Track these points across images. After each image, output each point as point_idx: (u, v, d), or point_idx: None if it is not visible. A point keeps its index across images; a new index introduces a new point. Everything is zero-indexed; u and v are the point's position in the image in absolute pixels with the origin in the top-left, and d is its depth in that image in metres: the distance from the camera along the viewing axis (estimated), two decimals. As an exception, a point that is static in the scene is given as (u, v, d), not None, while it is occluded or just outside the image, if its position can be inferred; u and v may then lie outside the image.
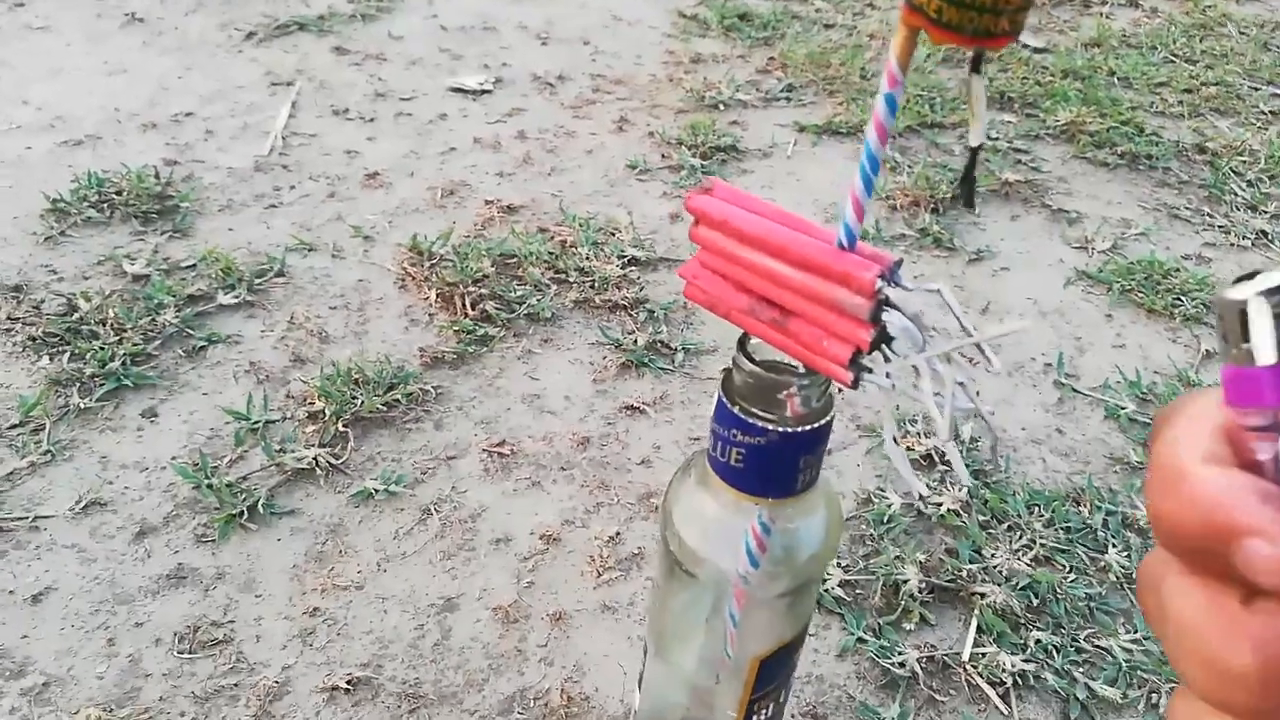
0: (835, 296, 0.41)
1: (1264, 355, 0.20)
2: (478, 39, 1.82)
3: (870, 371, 0.43)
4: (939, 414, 0.42)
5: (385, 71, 1.66)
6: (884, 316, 0.41)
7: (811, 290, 0.42)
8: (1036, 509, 0.90)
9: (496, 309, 1.08)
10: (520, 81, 1.68)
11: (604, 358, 1.04)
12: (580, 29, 1.92)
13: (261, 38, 1.72)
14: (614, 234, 1.25)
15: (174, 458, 0.87)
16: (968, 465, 0.94)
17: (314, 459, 0.87)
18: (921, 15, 0.33)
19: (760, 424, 0.46)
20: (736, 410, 0.46)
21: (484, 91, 1.63)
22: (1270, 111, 1.84)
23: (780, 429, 0.46)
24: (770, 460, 0.47)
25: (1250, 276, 0.21)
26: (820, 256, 0.41)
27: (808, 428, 0.46)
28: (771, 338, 0.44)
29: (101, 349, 0.96)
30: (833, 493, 0.53)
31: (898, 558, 0.83)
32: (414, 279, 1.12)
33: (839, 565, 0.82)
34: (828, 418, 0.46)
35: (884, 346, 0.42)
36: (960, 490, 0.90)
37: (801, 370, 0.45)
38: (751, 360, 0.46)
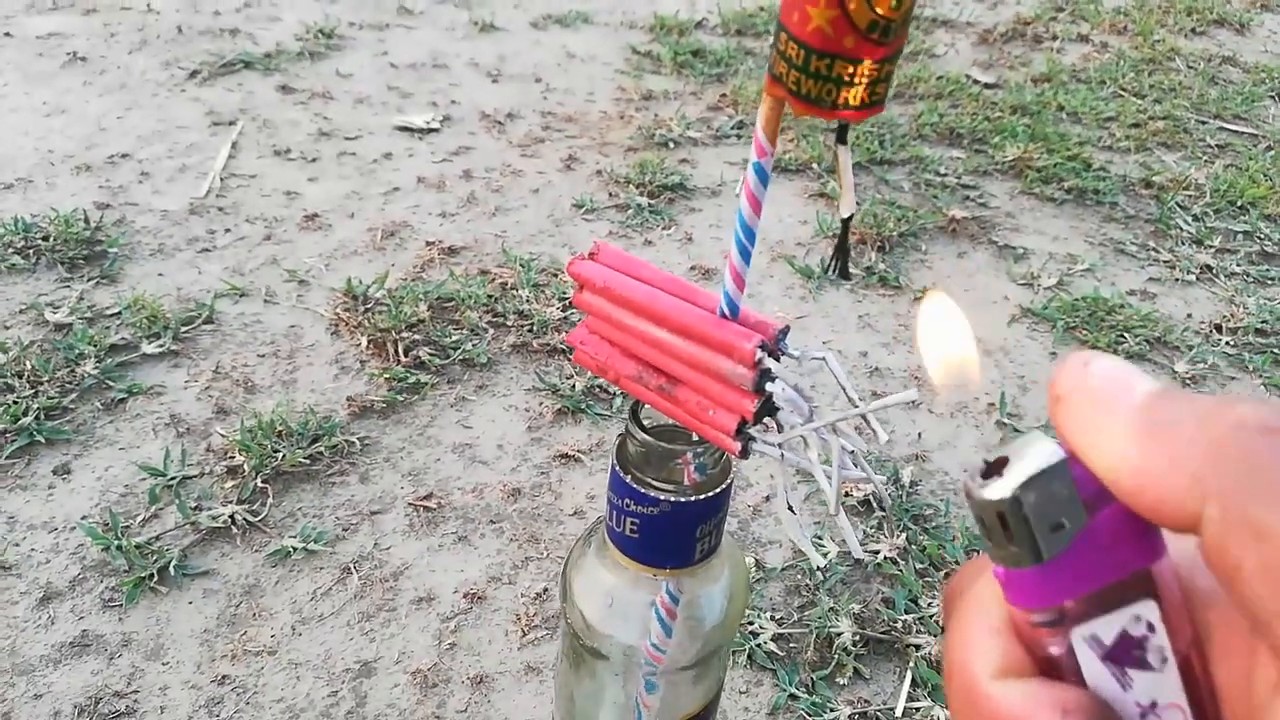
0: (718, 366, 0.40)
1: (1032, 554, 0.19)
2: (428, 76, 1.81)
3: (759, 441, 0.41)
4: (827, 485, 0.41)
5: (331, 110, 1.64)
6: (769, 386, 0.40)
7: (695, 359, 0.40)
8: (975, 555, 0.89)
9: (430, 355, 1.06)
10: (469, 119, 1.67)
11: (540, 404, 1.02)
12: (532, 66, 1.91)
13: (206, 76, 1.70)
14: (556, 275, 1.23)
15: (84, 517, 0.84)
16: (907, 510, 0.93)
17: (230, 517, 0.84)
18: (782, 86, 0.32)
19: (653, 493, 0.44)
20: (629, 479, 0.44)
21: (431, 130, 1.61)
22: (1217, 145, 1.86)
23: (674, 498, 0.44)
24: (666, 530, 0.45)
25: (998, 467, 0.19)
26: (702, 325, 0.40)
27: (703, 496, 0.44)
28: (659, 405, 0.43)
29: (15, 403, 0.93)
30: (738, 557, 0.51)
31: (832, 609, 0.81)
32: (347, 325, 1.09)
33: (773, 619, 0.80)
34: (724, 485, 0.45)
35: (772, 416, 0.41)
36: (899, 537, 0.88)
37: (695, 437, 0.44)
38: (643, 428, 0.44)
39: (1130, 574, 0.19)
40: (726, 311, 0.39)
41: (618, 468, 0.44)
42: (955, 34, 2.31)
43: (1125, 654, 0.19)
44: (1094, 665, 0.19)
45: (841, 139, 0.35)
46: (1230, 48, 2.38)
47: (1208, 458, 0.17)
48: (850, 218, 0.36)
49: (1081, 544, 0.19)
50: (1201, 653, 0.19)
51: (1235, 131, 1.93)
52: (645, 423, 0.44)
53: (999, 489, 0.19)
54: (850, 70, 0.31)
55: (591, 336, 0.44)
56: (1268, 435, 0.17)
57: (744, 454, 0.40)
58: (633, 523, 0.45)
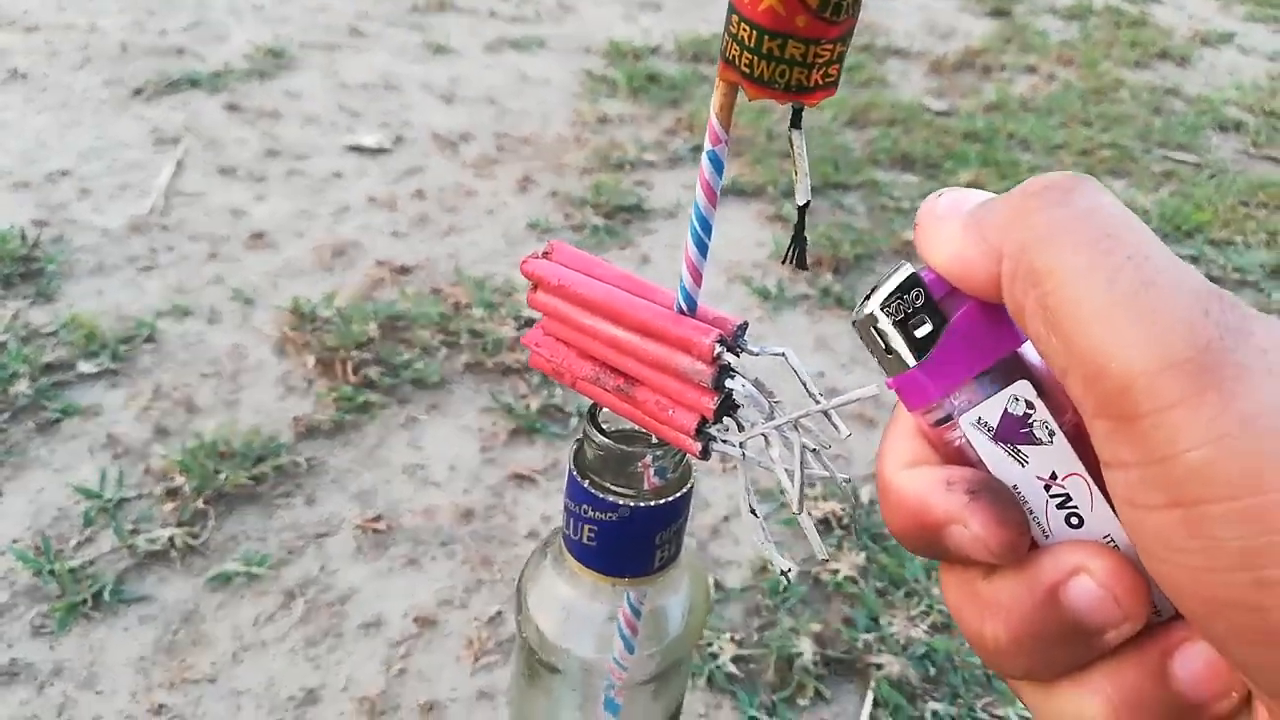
0: (677, 363, 0.38)
1: (907, 359, 0.21)
2: (379, 97, 1.79)
3: (719, 441, 0.40)
4: (789, 484, 0.39)
5: (279, 129, 1.62)
6: (728, 383, 0.38)
7: (653, 357, 0.39)
8: (935, 574, 0.88)
9: (381, 374, 1.03)
10: (421, 140, 1.65)
11: (494, 424, 1.00)
12: (486, 89, 1.90)
13: (150, 95, 1.66)
14: (510, 295, 1.22)
15: (15, 541, 0.80)
16: (866, 528, 0.92)
17: (169, 540, 0.80)
18: (734, 70, 0.31)
19: (611, 499, 0.42)
20: (586, 484, 0.43)
21: (382, 150, 1.59)
22: (1162, 173, 1.90)
23: (632, 503, 0.42)
24: (624, 537, 0.43)
25: (871, 293, 0.22)
26: (659, 321, 0.38)
27: (662, 501, 0.43)
28: (617, 407, 0.41)
29: (-59, 423, 0.89)
30: (698, 567, 0.49)
31: (793, 629, 0.80)
32: (294, 344, 1.07)
33: (732, 640, 0.79)
34: (684, 490, 0.43)
35: (732, 414, 0.40)
36: (858, 556, 0.87)
37: (655, 440, 0.42)
38: (601, 431, 0.42)
39: (998, 359, 0.21)
40: (684, 307, 0.38)
41: (575, 473, 0.43)
42: (908, 63, 2.35)
43: (1013, 432, 0.21)
44: (989, 449, 0.21)
45: (796, 124, 0.34)
46: (1173, 80, 2.44)
47: (1004, 226, 0.19)
48: (806, 205, 0.35)
49: (947, 342, 0.21)
50: None
51: (1179, 160, 1.97)
52: (604, 426, 0.42)
53: (864, 309, 0.22)
54: (803, 51, 0.30)
55: (547, 338, 0.43)
56: (1046, 191, 0.19)
57: (704, 454, 0.39)
58: (590, 530, 0.43)
